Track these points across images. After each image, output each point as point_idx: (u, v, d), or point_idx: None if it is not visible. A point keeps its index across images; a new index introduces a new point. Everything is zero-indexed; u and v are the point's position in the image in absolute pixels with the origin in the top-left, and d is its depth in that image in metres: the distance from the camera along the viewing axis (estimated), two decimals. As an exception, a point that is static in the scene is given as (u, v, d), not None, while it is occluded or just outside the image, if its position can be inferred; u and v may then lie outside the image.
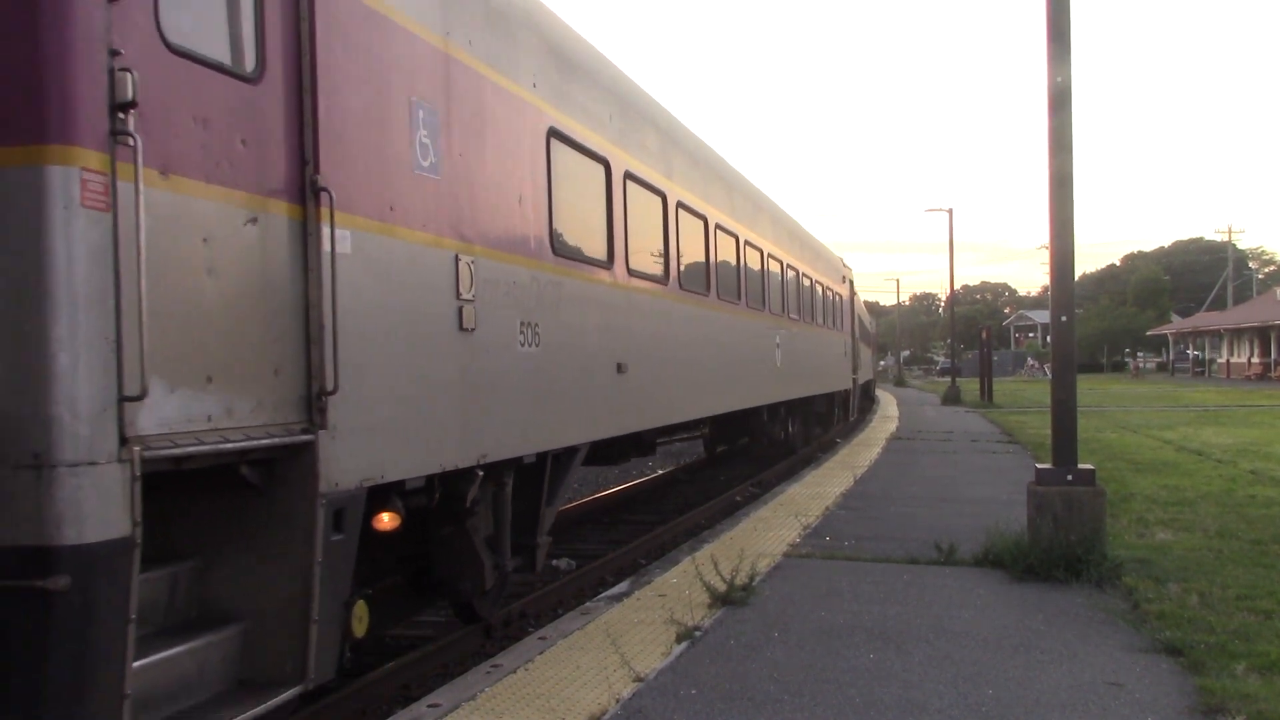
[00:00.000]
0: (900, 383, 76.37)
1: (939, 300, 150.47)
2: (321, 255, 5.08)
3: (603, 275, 9.18)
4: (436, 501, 6.63)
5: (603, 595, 8.09)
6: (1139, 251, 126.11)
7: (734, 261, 14.60)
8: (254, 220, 4.79)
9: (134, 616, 3.97)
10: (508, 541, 7.60)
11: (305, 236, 5.08)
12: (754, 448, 20.32)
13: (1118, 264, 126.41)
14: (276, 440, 4.77)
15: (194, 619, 4.76)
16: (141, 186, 4.02)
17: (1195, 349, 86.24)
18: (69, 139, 3.86)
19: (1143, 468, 16.61)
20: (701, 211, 12.76)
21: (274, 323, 4.88)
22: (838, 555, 9.41)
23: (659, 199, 11.07)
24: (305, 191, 5.10)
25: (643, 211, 10.44)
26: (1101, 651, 6.32)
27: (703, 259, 12.83)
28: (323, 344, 5.05)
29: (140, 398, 3.98)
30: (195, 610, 4.80)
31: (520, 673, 5.92)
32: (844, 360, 27.50)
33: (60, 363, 3.78)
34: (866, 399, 38.07)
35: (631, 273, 9.90)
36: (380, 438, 5.57)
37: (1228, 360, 75.13)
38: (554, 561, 8.78)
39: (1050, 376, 9.31)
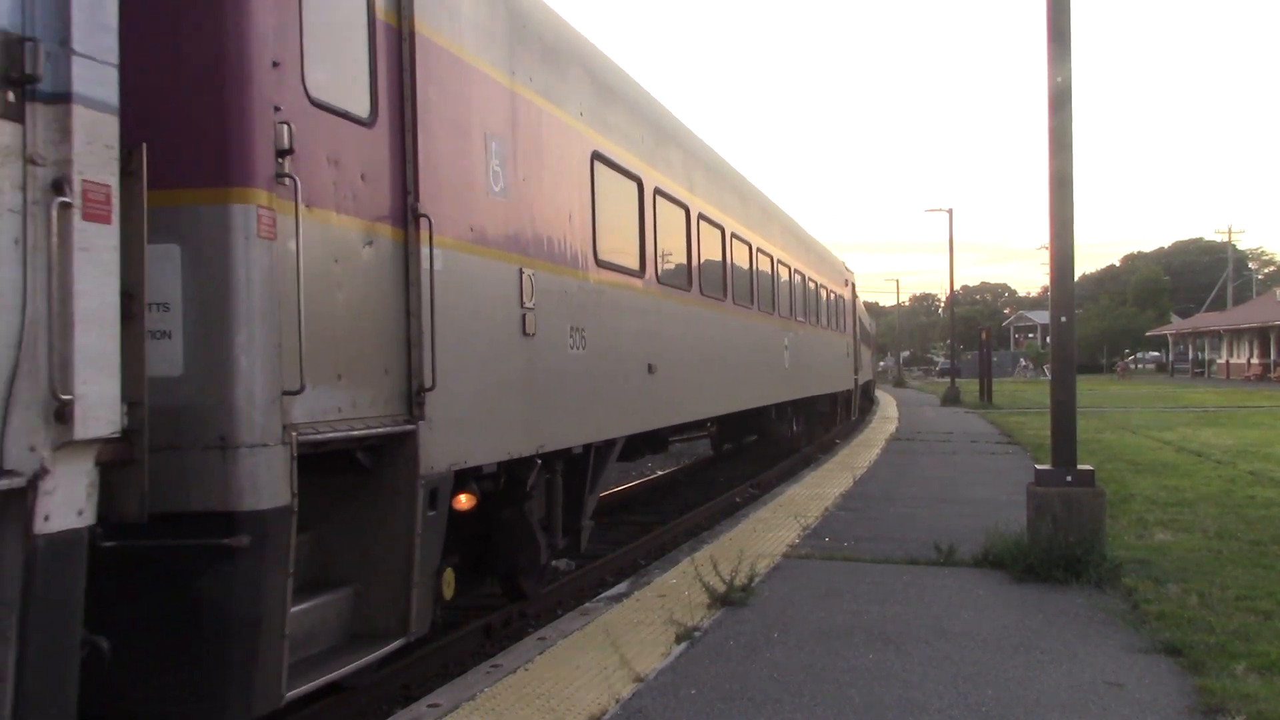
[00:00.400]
0: (900, 383, 76.29)
1: (939, 300, 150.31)
2: (421, 272, 5.97)
3: (636, 283, 10.11)
4: (502, 486, 7.45)
5: (603, 595, 8.10)
6: (1139, 251, 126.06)
7: (747, 267, 15.41)
8: (370, 243, 5.69)
9: (292, 570, 4.84)
10: (559, 524, 8.48)
11: (406, 256, 5.97)
12: (761, 446, 20.88)
13: (1118, 264, 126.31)
14: (387, 429, 5.67)
15: (313, 581, 5.43)
16: (301, 219, 4.95)
17: (1195, 349, 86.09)
18: (248, 182, 4.73)
19: (1142, 469, 16.62)
20: (719, 221, 13.61)
21: (384, 330, 5.78)
22: (837, 556, 9.41)
23: (683, 211, 11.95)
24: (407, 217, 5.98)
25: (670, 224, 11.41)
26: (1101, 652, 6.32)
27: (720, 266, 13.75)
28: (422, 347, 5.95)
29: (299, 392, 4.87)
30: (314, 574, 5.48)
31: (520, 673, 5.93)
32: (846, 361, 28.17)
33: (241, 364, 4.68)
34: (866, 399, 38.24)
35: (660, 281, 10.82)
36: (464, 428, 6.46)
37: (1227, 361, 75.09)
38: (553, 562, 8.86)
39: (1046, 377, 9.34)
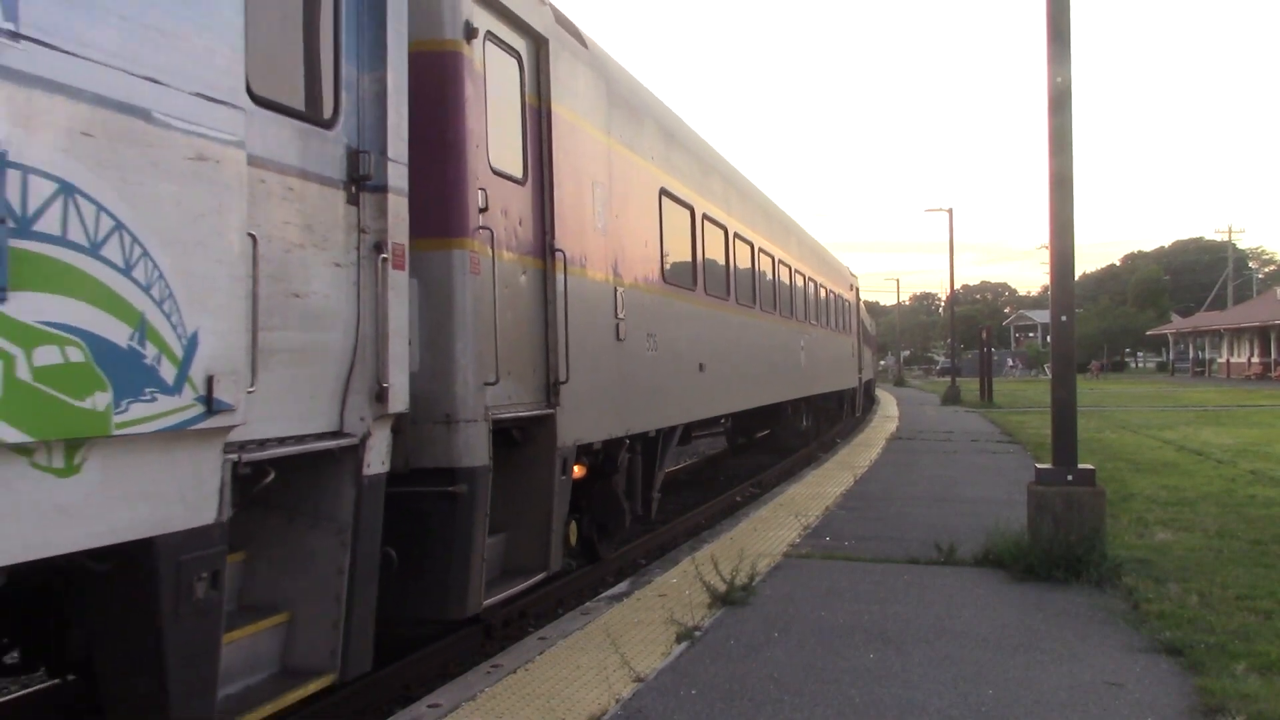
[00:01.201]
0: (900, 383, 76.26)
1: (939, 300, 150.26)
2: (556, 293, 7.75)
3: (690, 295, 11.90)
4: (600, 461, 9.11)
5: (603, 595, 8.08)
6: (1139, 251, 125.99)
7: (770, 277, 17.29)
8: (524, 272, 7.45)
9: (488, 512, 6.66)
10: (638, 494, 10.22)
11: (545, 281, 7.75)
12: (772, 440, 22.18)
13: (1118, 264, 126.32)
14: (536, 412, 7.49)
15: None
16: (496, 259, 6.81)
17: (1196, 349, 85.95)
18: (464, 234, 6.50)
19: (1142, 468, 16.56)
20: (750, 238, 15.52)
21: (533, 338, 7.56)
22: (838, 555, 9.39)
23: (722, 231, 13.80)
24: (546, 252, 7.75)
25: (713, 242, 13.29)
26: (1101, 651, 6.30)
27: (750, 277, 15.65)
28: (557, 351, 7.74)
29: (495, 383, 6.72)
30: None
31: (520, 673, 5.91)
32: (852, 360, 29.52)
33: (460, 363, 6.46)
34: (866, 398, 38.62)
35: (707, 292, 12.70)
36: (582, 413, 8.16)
37: (1228, 360, 75.09)
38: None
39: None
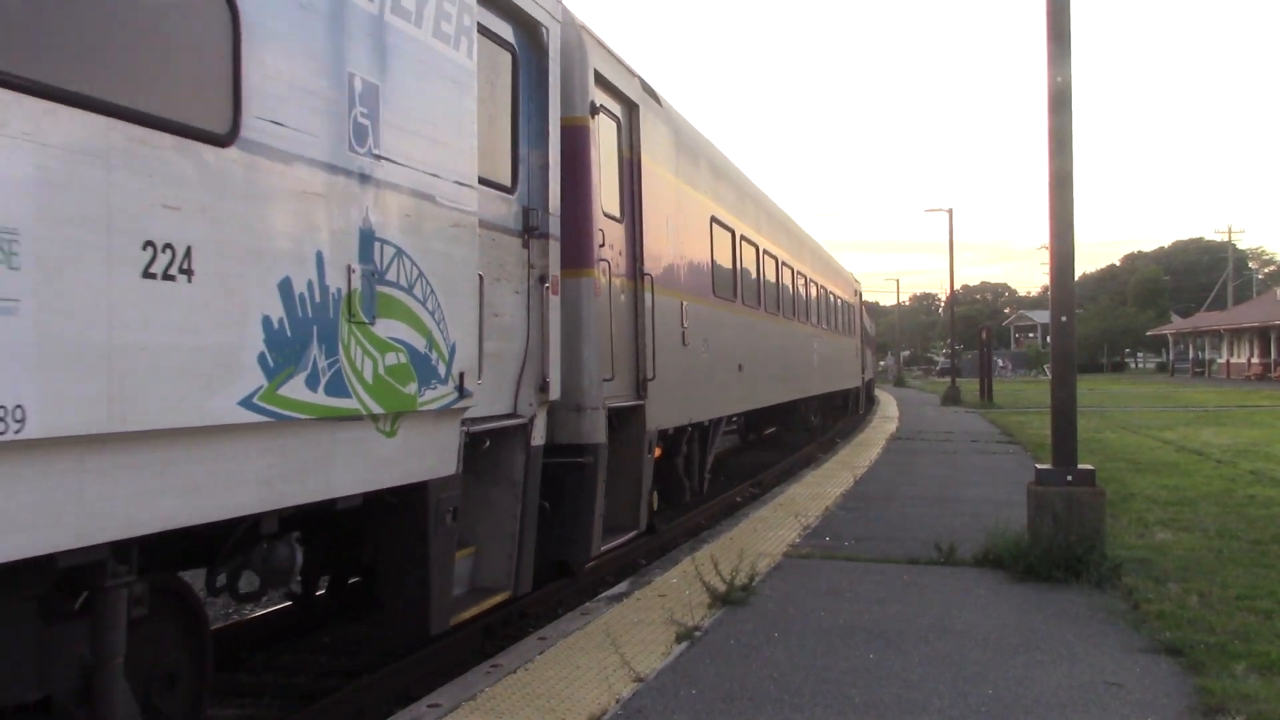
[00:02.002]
0: (900, 383, 76.34)
1: (939, 300, 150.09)
2: (645, 308, 9.81)
3: (732, 305, 14.13)
4: (669, 445, 11.13)
5: (603, 595, 8.14)
6: (1139, 251, 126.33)
7: (790, 286, 19.80)
8: (623, 292, 9.50)
9: (604, 479, 8.62)
10: (695, 472, 12.42)
11: (636, 298, 9.80)
12: (784, 435, 24.00)
13: (1118, 264, 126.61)
14: (632, 403, 9.54)
15: None
16: (609, 283, 8.92)
17: (1195, 349, 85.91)
18: (590, 265, 8.50)
19: (1142, 468, 16.75)
20: (775, 253, 17.98)
21: (628, 344, 9.58)
22: (837, 555, 9.44)
23: (755, 248, 16.16)
24: (637, 275, 9.81)
25: (748, 258, 15.67)
26: (1101, 651, 6.35)
27: (775, 287, 18.05)
28: (647, 354, 9.78)
29: (611, 380, 8.83)
30: None
31: (520, 673, 5.95)
32: (855, 361, 31.44)
33: (588, 365, 8.42)
34: (867, 398, 38.96)
35: (743, 302, 14.95)
36: (661, 405, 10.15)
37: (1228, 360, 75.33)
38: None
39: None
